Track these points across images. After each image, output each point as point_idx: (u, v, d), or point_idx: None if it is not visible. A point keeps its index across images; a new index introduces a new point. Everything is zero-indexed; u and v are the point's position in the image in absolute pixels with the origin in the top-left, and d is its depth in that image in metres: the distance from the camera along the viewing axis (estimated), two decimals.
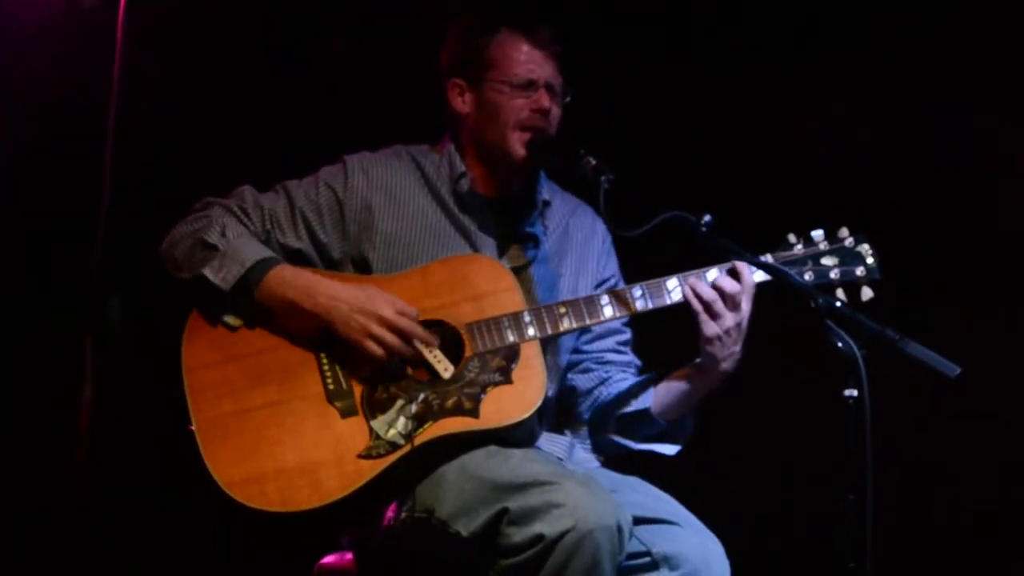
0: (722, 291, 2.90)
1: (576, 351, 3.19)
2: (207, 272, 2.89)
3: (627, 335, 3.23)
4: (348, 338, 2.86)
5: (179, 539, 3.89)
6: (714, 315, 2.89)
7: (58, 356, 3.61)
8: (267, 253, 2.95)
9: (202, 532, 3.67)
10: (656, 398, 3.04)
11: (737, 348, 2.92)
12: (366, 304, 2.86)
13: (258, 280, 2.89)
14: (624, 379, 3.14)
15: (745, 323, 2.92)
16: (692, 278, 2.94)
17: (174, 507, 3.66)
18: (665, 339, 3.07)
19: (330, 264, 3.06)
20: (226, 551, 3.76)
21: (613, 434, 3.11)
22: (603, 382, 3.16)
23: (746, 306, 2.91)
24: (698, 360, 2.96)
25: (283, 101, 4.03)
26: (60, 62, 3.78)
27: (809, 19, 4.11)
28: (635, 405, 3.07)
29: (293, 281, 2.90)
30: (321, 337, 2.90)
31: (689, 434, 3.10)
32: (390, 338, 2.86)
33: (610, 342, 3.20)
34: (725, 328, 2.89)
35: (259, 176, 3.14)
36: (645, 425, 3.07)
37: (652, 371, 3.12)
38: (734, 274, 2.92)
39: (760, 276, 2.94)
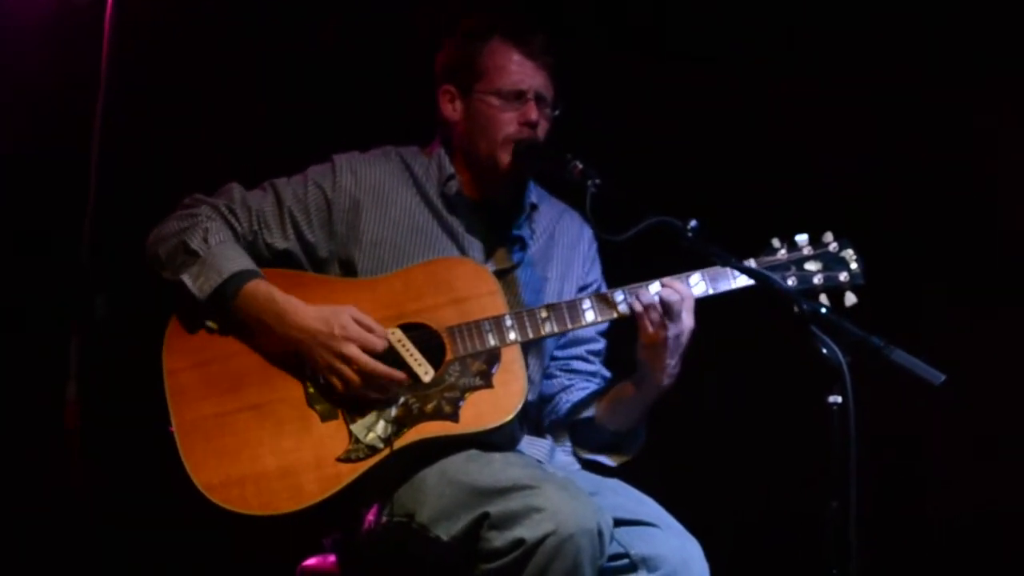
0: (662, 300, 2.88)
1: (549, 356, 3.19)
2: (186, 279, 2.89)
3: (600, 345, 3.22)
4: (313, 368, 2.87)
5: (161, 541, 3.88)
6: (651, 322, 2.88)
7: (44, 354, 3.60)
8: (245, 264, 2.93)
9: (184, 534, 3.66)
10: (599, 408, 3.06)
11: (673, 362, 2.91)
12: (329, 341, 2.84)
13: (233, 293, 2.88)
14: (585, 389, 3.15)
15: (685, 337, 2.90)
16: (640, 288, 2.93)
17: (156, 509, 3.65)
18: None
19: (316, 264, 3.05)
20: (208, 553, 3.75)
21: (567, 442, 3.12)
22: (564, 389, 3.16)
23: (687, 319, 2.89)
24: (636, 370, 2.96)
25: (272, 99, 4.02)
26: (48, 59, 3.77)
27: (797, 21, 4.08)
28: (584, 413, 3.09)
29: (265, 303, 2.88)
30: (295, 354, 2.90)
31: (638, 447, 3.10)
32: (350, 375, 2.84)
33: (580, 350, 3.19)
34: (663, 337, 2.88)
35: (247, 174, 3.13)
36: (592, 434, 3.08)
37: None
38: (674, 286, 2.91)
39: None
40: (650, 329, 2.88)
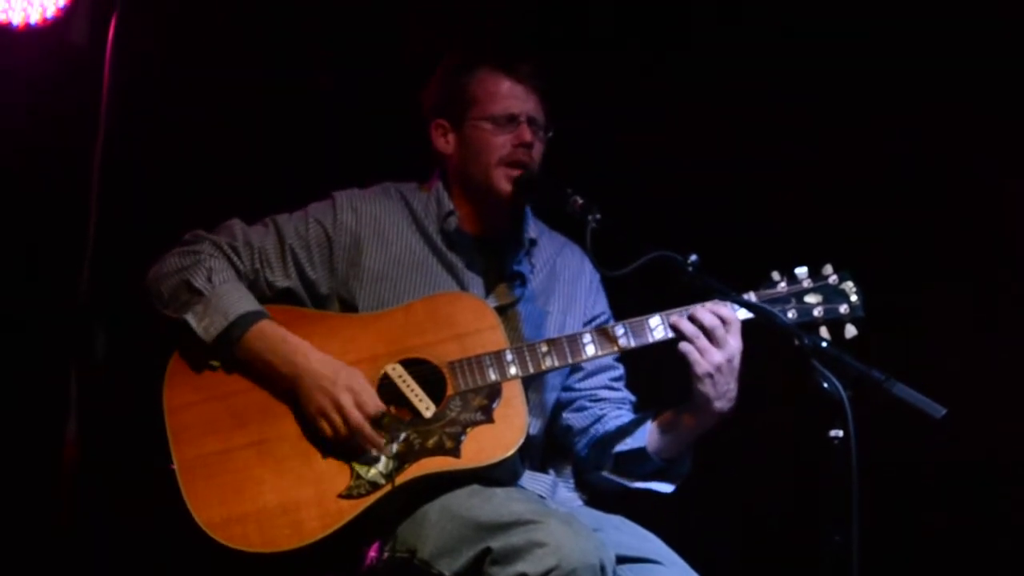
0: (703, 327, 2.89)
1: (569, 389, 3.18)
2: (190, 319, 2.90)
3: (619, 371, 3.22)
4: (305, 408, 2.87)
5: None
6: (701, 352, 2.88)
7: (43, 391, 3.60)
8: (251, 306, 2.94)
9: (186, 573, 3.64)
10: (651, 437, 3.02)
11: (731, 387, 2.90)
12: (329, 387, 2.85)
13: (239, 336, 2.89)
14: (619, 416, 3.13)
15: (737, 360, 2.90)
16: (675, 316, 2.93)
17: (158, 546, 3.63)
18: (658, 374, 3.06)
19: (317, 300, 3.06)
20: None
21: (610, 472, 3.09)
22: (598, 420, 3.14)
23: (734, 342, 2.89)
24: (692, 399, 2.93)
25: (271, 136, 4.02)
26: (49, 98, 3.78)
27: (790, 54, 4.09)
28: (631, 444, 3.04)
29: (272, 344, 2.90)
30: (293, 392, 2.90)
31: (686, 473, 3.07)
32: (339, 424, 2.84)
33: (603, 379, 3.18)
34: (716, 365, 2.87)
35: (247, 211, 3.14)
36: (641, 464, 3.04)
37: (647, 408, 3.11)
38: (716, 310, 2.90)
39: (745, 314, 2.93)
40: (701, 357, 2.87)
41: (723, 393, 2.89)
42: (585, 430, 3.15)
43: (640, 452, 3.02)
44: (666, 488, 3.06)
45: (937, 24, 3.99)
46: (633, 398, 3.21)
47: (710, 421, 2.94)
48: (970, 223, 4.06)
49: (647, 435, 3.03)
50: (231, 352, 2.90)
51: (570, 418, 3.17)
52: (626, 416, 3.13)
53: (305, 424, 2.88)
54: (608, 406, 3.16)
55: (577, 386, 3.18)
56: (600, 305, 3.25)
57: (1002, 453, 3.97)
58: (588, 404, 3.17)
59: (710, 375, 2.87)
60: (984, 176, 4.06)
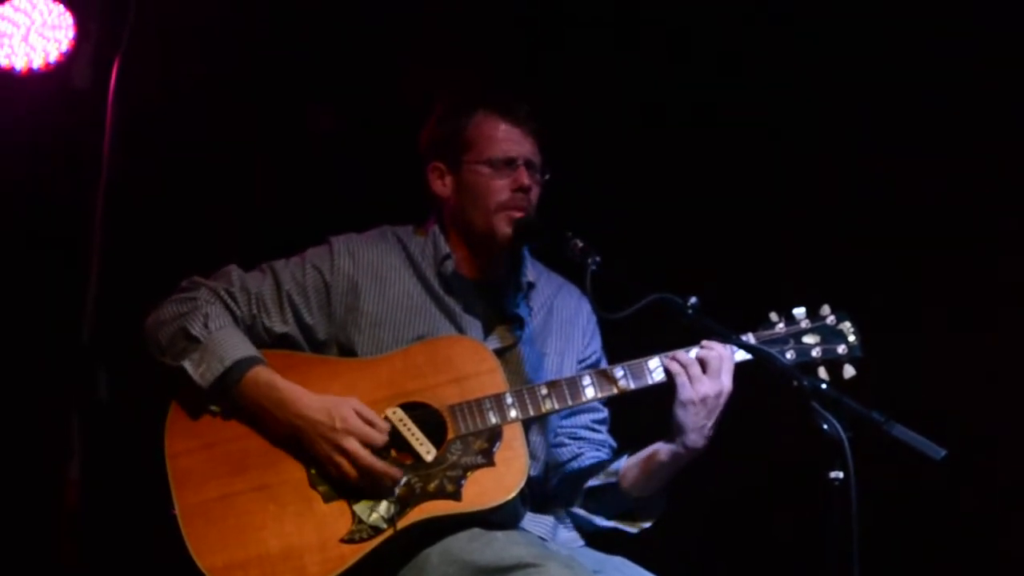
0: (701, 359, 2.90)
1: None
2: (187, 366, 2.90)
3: (603, 414, 3.22)
4: (315, 455, 2.87)
5: None
6: (691, 379, 2.89)
7: (45, 433, 3.60)
8: (247, 351, 2.93)
9: None
10: (625, 473, 3.03)
11: (709, 423, 2.90)
12: (329, 433, 2.85)
13: (236, 380, 2.89)
14: (596, 457, 3.14)
15: (723, 398, 2.90)
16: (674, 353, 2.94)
17: None
18: (643, 425, 3.05)
19: (315, 346, 3.06)
20: None
21: (580, 508, 3.09)
22: (575, 457, 3.15)
23: (726, 379, 2.90)
24: (668, 429, 2.94)
25: (272, 176, 4.04)
26: (51, 142, 3.80)
27: (786, 87, 4.11)
28: (603, 479, 3.06)
29: (267, 391, 2.90)
30: (296, 439, 2.91)
31: (659, 513, 3.07)
32: (348, 468, 2.84)
33: (585, 419, 3.19)
34: (702, 395, 2.88)
35: (247, 254, 3.15)
36: (613, 501, 3.05)
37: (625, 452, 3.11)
38: (715, 346, 2.91)
39: (743, 355, 2.93)
40: (689, 383, 2.88)
41: (700, 426, 2.90)
42: (560, 466, 3.16)
43: (612, 487, 3.04)
44: (632, 528, 3.06)
45: (930, 50, 4.00)
46: (614, 444, 3.21)
47: (683, 456, 2.94)
48: (969, 241, 4.07)
49: (621, 471, 3.04)
50: (229, 397, 2.90)
51: (549, 453, 3.16)
52: (603, 457, 3.14)
53: (307, 467, 2.88)
54: (587, 446, 3.17)
55: (559, 423, 3.18)
56: (593, 346, 3.25)
57: (1005, 488, 3.97)
58: (567, 441, 3.18)
59: (693, 403, 2.88)
60: (979, 197, 4.07)
